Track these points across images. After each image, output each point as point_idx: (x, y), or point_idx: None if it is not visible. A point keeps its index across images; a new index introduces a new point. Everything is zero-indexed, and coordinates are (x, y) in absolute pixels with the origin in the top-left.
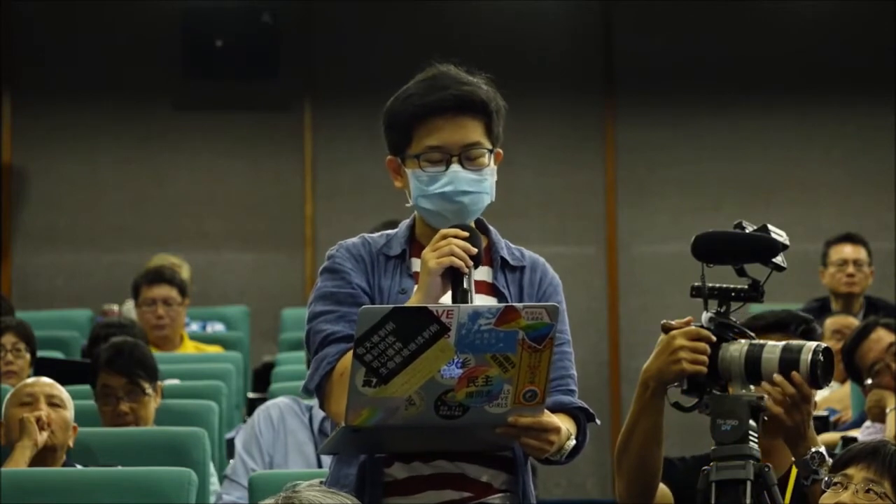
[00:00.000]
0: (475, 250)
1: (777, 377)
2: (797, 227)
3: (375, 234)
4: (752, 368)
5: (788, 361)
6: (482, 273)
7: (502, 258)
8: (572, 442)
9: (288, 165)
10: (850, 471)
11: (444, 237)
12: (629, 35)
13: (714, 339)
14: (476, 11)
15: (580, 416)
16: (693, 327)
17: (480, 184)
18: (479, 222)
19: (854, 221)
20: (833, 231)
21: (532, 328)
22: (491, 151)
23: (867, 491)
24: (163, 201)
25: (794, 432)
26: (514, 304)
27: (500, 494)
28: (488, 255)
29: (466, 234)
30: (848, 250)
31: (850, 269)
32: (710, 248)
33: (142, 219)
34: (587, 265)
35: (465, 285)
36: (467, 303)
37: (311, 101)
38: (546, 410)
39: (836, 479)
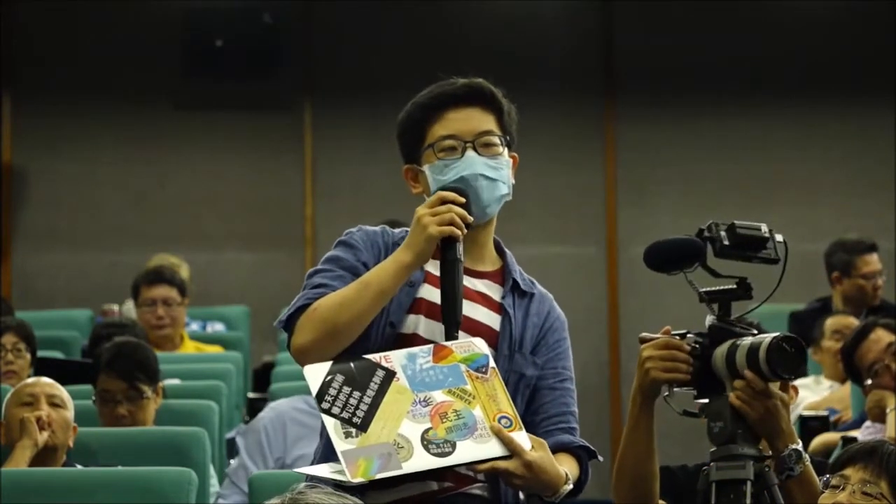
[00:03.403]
0: (471, 218)
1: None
2: (797, 227)
3: (397, 230)
4: (731, 367)
5: (751, 354)
6: (492, 290)
7: (514, 280)
8: (568, 487)
9: (288, 165)
10: (848, 471)
11: (442, 200)
12: (630, 35)
13: (686, 346)
14: (476, 11)
15: (582, 455)
16: (663, 337)
17: (497, 171)
18: (496, 243)
19: (854, 221)
20: (833, 231)
21: (469, 360)
22: (505, 143)
23: (864, 492)
24: (163, 201)
25: (762, 426)
26: (442, 343)
27: (479, 485)
28: (501, 276)
29: (463, 199)
30: (877, 261)
31: (880, 281)
32: (652, 260)
33: (142, 219)
34: (587, 265)
35: (457, 254)
36: (459, 275)
37: (311, 101)
38: (528, 440)
39: (833, 481)
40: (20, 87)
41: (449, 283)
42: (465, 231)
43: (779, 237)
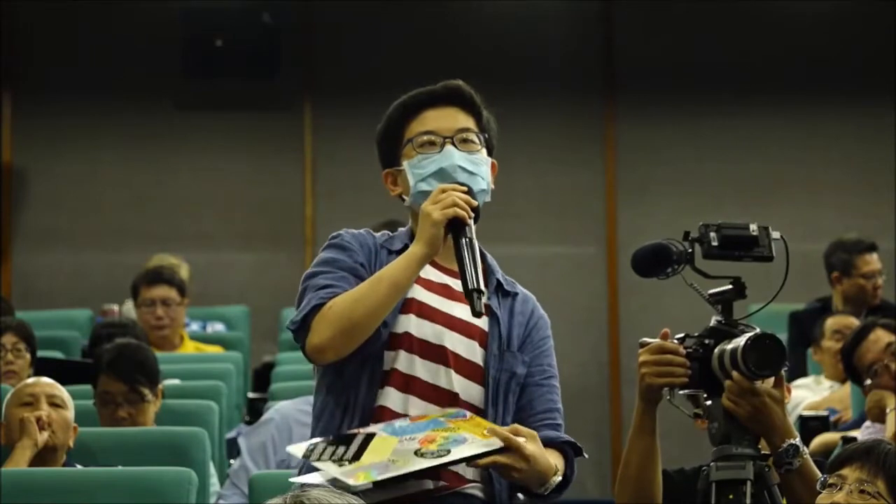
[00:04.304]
0: (476, 202)
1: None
2: (797, 227)
3: (379, 234)
4: (723, 368)
5: (733, 355)
6: None
7: (497, 280)
8: (558, 478)
9: (288, 165)
10: (845, 471)
11: (444, 191)
12: (629, 35)
13: (682, 350)
14: (476, 11)
15: (568, 451)
16: (657, 342)
17: (477, 166)
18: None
19: (854, 221)
20: (833, 231)
21: (446, 414)
22: (484, 144)
23: (861, 491)
24: (163, 201)
25: (754, 424)
26: (423, 414)
27: (473, 484)
28: (484, 278)
29: (464, 188)
30: (876, 260)
31: (880, 280)
32: (636, 267)
33: (142, 219)
34: (587, 265)
35: (468, 235)
36: (474, 252)
37: (311, 101)
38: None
39: (830, 481)
40: (20, 87)
41: (462, 259)
42: (472, 216)
43: (775, 234)
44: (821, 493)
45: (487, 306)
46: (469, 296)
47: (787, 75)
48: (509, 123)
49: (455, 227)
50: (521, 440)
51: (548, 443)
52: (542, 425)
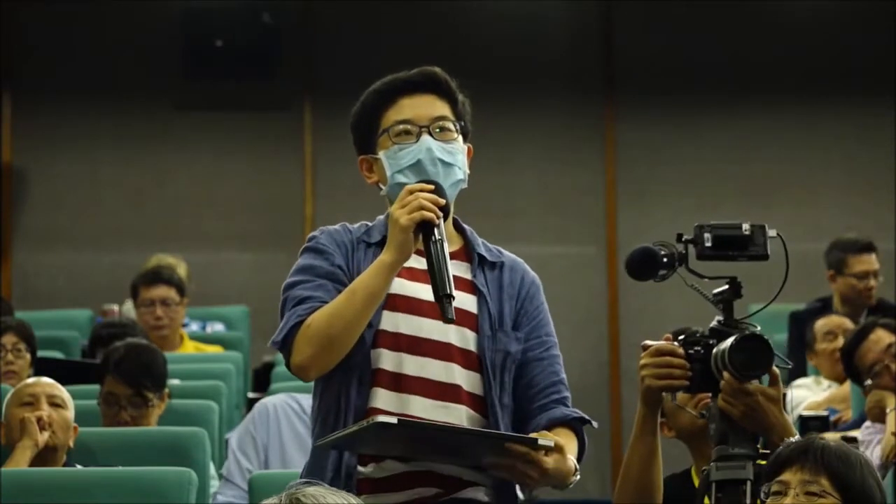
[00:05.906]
0: (443, 201)
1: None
2: (797, 227)
3: (355, 225)
4: (717, 368)
5: (722, 356)
6: (461, 269)
7: (479, 255)
8: (576, 478)
9: (288, 165)
10: (786, 476)
11: (411, 192)
12: (629, 35)
13: (681, 351)
14: (476, 11)
15: (578, 427)
16: (659, 343)
17: (453, 156)
18: (454, 221)
19: (854, 221)
20: (833, 231)
21: None
22: (460, 131)
23: (807, 493)
24: (163, 201)
25: (749, 423)
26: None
27: (473, 487)
28: (466, 253)
29: (432, 187)
30: (871, 261)
31: (873, 281)
32: (630, 271)
33: (142, 219)
34: (587, 265)
35: (437, 236)
36: (442, 253)
37: (311, 101)
38: (549, 441)
39: (774, 488)
40: (20, 87)
41: (431, 263)
42: (441, 214)
43: (772, 232)
44: (765, 502)
45: (472, 283)
46: (439, 301)
47: (787, 75)
48: (510, 123)
49: (424, 228)
50: (542, 451)
51: (558, 422)
52: (549, 402)
